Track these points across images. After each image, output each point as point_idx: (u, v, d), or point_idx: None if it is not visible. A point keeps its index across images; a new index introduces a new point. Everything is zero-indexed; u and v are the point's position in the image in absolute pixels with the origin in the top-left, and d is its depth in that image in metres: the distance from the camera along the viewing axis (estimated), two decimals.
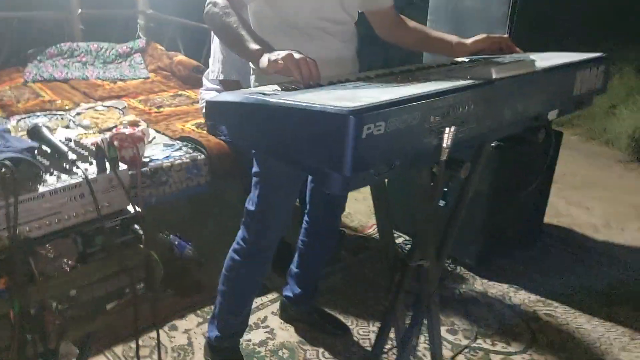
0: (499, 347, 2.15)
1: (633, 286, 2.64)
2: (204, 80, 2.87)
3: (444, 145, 1.05)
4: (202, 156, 2.54)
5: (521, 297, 2.50)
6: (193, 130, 2.83)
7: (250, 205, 1.73)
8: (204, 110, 2.78)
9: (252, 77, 1.67)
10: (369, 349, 2.09)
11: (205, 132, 2.78)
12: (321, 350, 2.08)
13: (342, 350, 2.08)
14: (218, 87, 2.76)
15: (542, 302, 2.47)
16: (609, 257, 2.90)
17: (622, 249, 3.02)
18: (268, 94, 1.06)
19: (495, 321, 2.31)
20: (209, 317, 2.21)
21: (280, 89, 1.17)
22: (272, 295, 2.39)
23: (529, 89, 1.27)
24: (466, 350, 2.12)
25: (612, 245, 3.04)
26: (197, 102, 3.25)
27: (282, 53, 1.21)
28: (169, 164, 2.41)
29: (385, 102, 0.94)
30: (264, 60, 1.26)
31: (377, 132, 0.91)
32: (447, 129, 1.04)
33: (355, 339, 2.14)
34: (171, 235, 2.62)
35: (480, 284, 2.58)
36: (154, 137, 2.73)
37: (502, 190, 2.61)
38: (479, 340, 2.18)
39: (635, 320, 2.39)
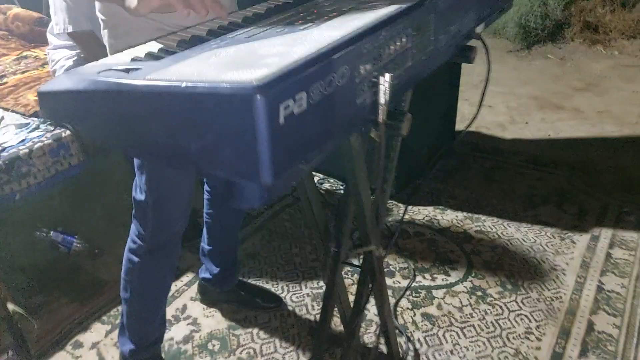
0: (439, 280, 2.03)
1: (550, 182, 2.62)
2: (49, 37, 2.37)
3: (382, 100, 0.78)
4: (67, 132, 2.10)
5: (448, 217, 2.39)
6: None
7: (139, 194, 1.39)
8: (57, 74, 2.32)
9: (105, 32, 1.28)
10: (307, 317, 1.89)
11: None
12: (255, 331, 1.84)
13: (278, 326, 1.86)
14: (69, 42, 2.28)
15: (469, 218, 2.37)
16: (521, 155, 2.86)
17: (531, 143, 2.99)
18: (127, 71, 0.72)
19: (430, 252, 2.18)
20: (117, 321, 1.90)
21: (143, 56, 0.83)
22: (187, 278, 2.10)
23: (460, 3, 1.01)
24: (408, 292, 1.98)
25: (522, 142, 3.00)
26: (48, 63, 2.72)
27: None
28: (26, 150, 1.97)
29: (301, 62, 0.64)
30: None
31: (298, 110, 0.62)
32: (381, 79, 0.77)
33: (290, 308, 1.93)
34: (52, 232, 2.21)
35: (405, 213, 2.43)
36: (2, 118, 2.24)
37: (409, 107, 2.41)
38: (418, 278, 2.04)
39: (559, 218, 2.36)
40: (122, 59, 0.82)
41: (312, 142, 0.67)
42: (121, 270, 1.53)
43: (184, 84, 0.61)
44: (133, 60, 0.80)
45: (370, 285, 1.25)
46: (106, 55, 1.28)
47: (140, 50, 0.85)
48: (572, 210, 2.40)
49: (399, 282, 2.02)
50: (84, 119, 0.75)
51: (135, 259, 1.46)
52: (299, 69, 0.63)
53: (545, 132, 3.07)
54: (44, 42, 2.93)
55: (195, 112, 0.62)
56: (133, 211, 1.43)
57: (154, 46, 0.87)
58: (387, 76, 0.77)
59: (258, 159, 0.60)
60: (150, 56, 0.82)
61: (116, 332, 1.84)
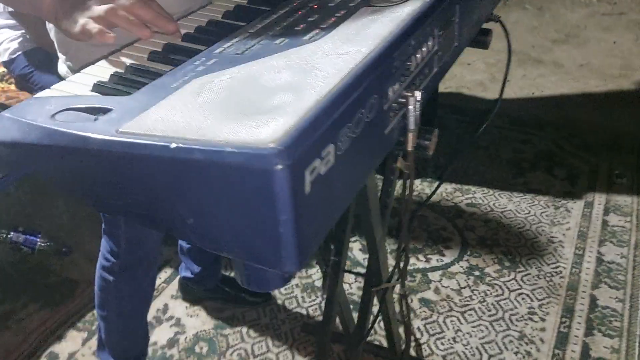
0: (434, 261, 1.94)
1: (537, 145, 2.53)
2: None
3: (412, 125, 0.64)
4: None
5: (437, 191, 2.27)
6: None
7: None
8: (2, 58, 2.07)
9: (52, 25, 1.07)
10: (298, 311, 1.78)
11: (12, 86, 2.09)
12: (245, 329, 1.73)
13: (269, 322, 1.74)
14: (11, 21, 2.03)
15: (459, 190, 2.27)
16: (505, 117, 2.75)
17: (514, 103, 2.88)
18: (92, 112, 0.55)
19: (421, 230, 2.08)
20: (94, 327, 1.76)
21: (108, 79, 0.66)
22: (165, 274, 1.95)
23: None
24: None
25: (505, 102, 2.88)
26: None
27: (96, 9, 0.68)
28: None
29: (325, 104, 0.49)
30: (72, 25, 0.71)
31: (325, 168, 0.48)
32: (411, 99, 0.63)
33: (279, 302, 1.81)
34: (12, 232, 2.02)
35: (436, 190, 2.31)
36: None
37: None
38: (412, 259, 1.94)
39: (550, 184, 2.28)
40: (80, 84, 0.65)
41: (339, 200, 0.53)
42: (94, 271, 1.37)
43: (173, 145, 0.46)
44: (97, 86, 0.63)
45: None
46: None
47: (103, 69, 0.68)
48: (562, 175, 2.32)
49: (391, 266, 1.92)
50: (37, 173, 0.59)
51: (110, 277, 1.30)
52: (324, 116, 0.48)
53: (528, 89, 2.96)
54: None
55: (190, 181, 0.47)
56: (103, 226, 1.26)
57: (119, 60, 0.70)
58: (418, 95, 0.63)
59: (280, 245, 0.45)
60: (118, 80, 0.65)
61: (94, 339, 1.70)
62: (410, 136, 0.64)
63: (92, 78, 0.66)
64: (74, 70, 1.07)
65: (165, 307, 1.83)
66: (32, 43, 2.00)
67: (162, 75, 0.62)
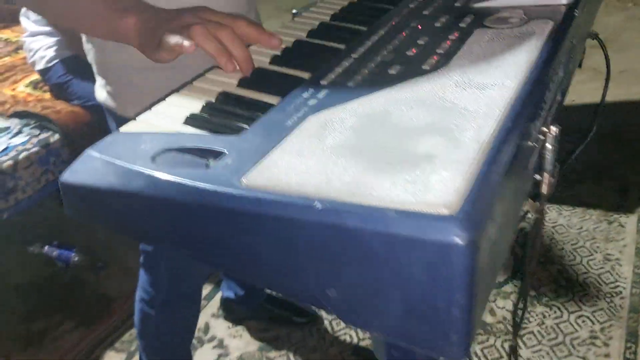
0: None
1: (582, 154, 2.43)
2: (24, 22, 2.05)
3: (549, 165, 0.56)
4: (56, 135, 1.83)
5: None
6: (29, 95, 2.05)
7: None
8: (37, 67, 2.01)
9: (90, 47, 0.99)
10: (346, 332, 1.70)
11: (48, 95, 2.03)
12: (291, 352, 1.65)
13: (316, 344, 1.67)
14: (46, 27, 1.98)
15: None
16: None
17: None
18: (202, 155, 0.48)
19: None
20: (132, 349, 1.70)
21: (200, 110, 0.58)
22: (205, 290, 1.88)
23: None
24: None
25: None
26: (21, 48, 2.39)
27: (186, 22, 0.62)
28: (11, 162, 1.70)
29: (492, 152, 0.41)
30: (164, 38, 0.64)
31: (494, 231, 0.40)
32: (549, 136, 0.55)
33: (326, 322, 1.74)
34: (46, 246, 1.97)
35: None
36: None
37: None
38: None
39: (601, 196, 2.18)
40: (168, 116, 0.57)
41: (499, 263, 0.45)
42: (129, 287, 1.30)
43: (318, 206, 0.38)
44: (191, 119, 0.56)
45: None
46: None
47: (191, 98, 0.61)
48: (612, 186, 2.22)
49: None
50: (134, 225, 0.52)
51: (151, 311, 1.20)
52: (494, 168, 0.40)
53: (569, 97, 2.86)
54: (14, 21, 2.60)
55: (336, 248, 0.39)
56: (140, 259, 1.18)
57: (205, 87, 0.63)
58: (554, 130, 0.55)
59: (449, 328, 0.37)
60: (212, 111, 0.58)
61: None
62: (546, 176, 0.56)
63: (181, 109, 0.58)
64: (115, 96, 0.97)
65: (207, 327, 1.76)
66: (69, 51, 1.94)
67: (263, 106, 0.55)
